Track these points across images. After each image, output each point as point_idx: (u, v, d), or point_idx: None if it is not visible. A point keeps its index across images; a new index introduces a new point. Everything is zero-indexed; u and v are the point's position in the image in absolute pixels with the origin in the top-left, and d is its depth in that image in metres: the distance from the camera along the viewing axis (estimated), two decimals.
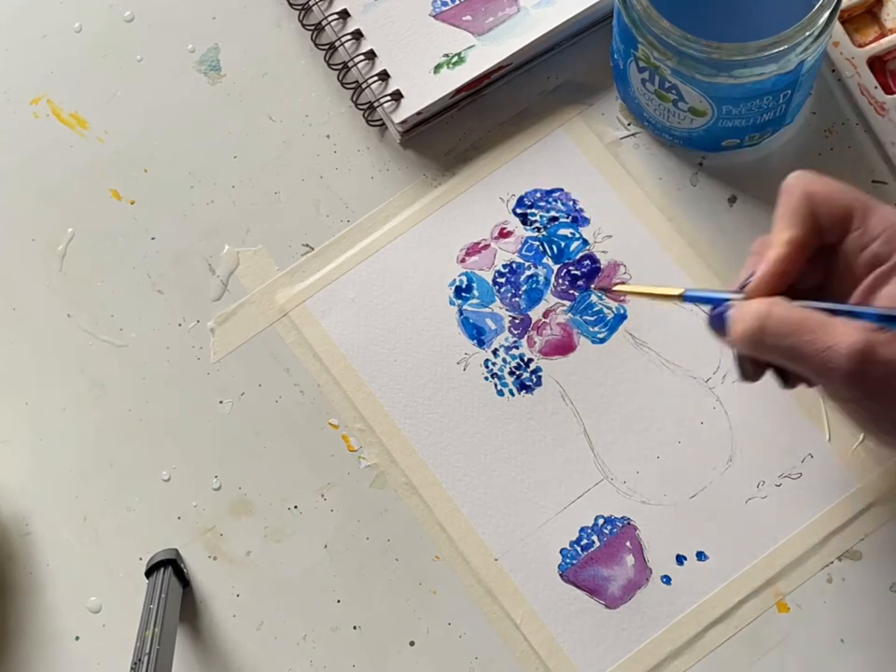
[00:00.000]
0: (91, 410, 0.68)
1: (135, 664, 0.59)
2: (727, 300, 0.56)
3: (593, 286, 0.66)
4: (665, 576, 0.64)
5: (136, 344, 0.69)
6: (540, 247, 0.69)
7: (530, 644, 0.63)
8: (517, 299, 0.68)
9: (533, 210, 0.69)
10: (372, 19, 0.70)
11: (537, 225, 0.69)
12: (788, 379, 0.58)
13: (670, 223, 0.68)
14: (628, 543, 0.64)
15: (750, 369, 0.58)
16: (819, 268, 0.57)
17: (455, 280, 0.69)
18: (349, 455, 0.67)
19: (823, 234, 0.56)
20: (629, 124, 0.70)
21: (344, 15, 0.71)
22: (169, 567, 0.64)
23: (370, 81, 0.70)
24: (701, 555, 0.64)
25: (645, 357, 0.67)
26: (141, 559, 0.66)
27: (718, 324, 0.56)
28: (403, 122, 0.69)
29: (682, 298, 0.60)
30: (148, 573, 0.64)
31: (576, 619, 0.64)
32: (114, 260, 0.70)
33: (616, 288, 0.65)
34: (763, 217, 0.68)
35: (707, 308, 0.58)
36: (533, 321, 0.68)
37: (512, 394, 0.67)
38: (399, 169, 0.71)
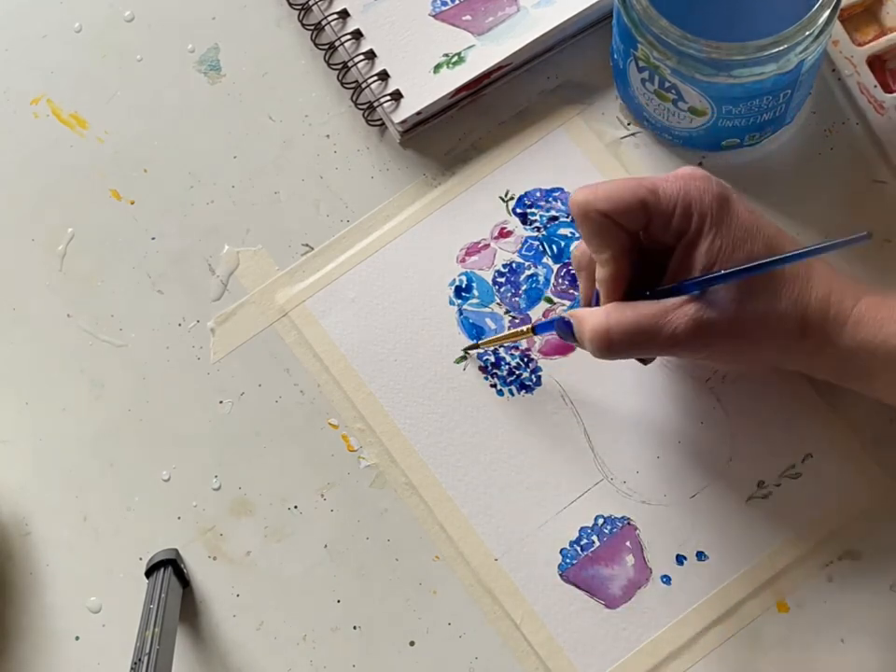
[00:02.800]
0: (91, 410, 0.68)
1: (135, 664, 0.59)
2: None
3: (465, 351, 0.67)
4: (665, 576, 0.64)
5: (136, 344, 0.69)
6: (540, 247, 0.69)
7: (530, 644, 0.63)
8: (517, 298, 0.68)
9: (533, 210, 0.69)
10: (372, 18, 0.70)
11: (537, 224, 0.69)
12: (646, 360, 0.63)
13: None
14: (628, 543, 0.64)
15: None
16: (637, 248, 0.59)
17: (454, 280, 0.69)
18: (349, 454, 0.67)
19: (630, 233, 0.58)
20: (629, 124, 0.70)
21: (344, 15, 0.71)
22: (169, 566, 0.64)
23: (369, 81, 0.70)
24: (701, 555, 0.64)
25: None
26: (141, 559, 0.66)
27: (566, 332, 0.60)
28: (403, 122, 0.69)
29: (534, 331, 0.64)
30: (148, 573, 0.64)
31: (576, 619, 0.64)
32: (114, 260, 0.70)
33: (481, 342, 0.67)
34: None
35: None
36: (533, 321, 0.68)
37: (512, 394, 0.67)
38: (399, 169, 0.71)
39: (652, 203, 0.58)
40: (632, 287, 0.59)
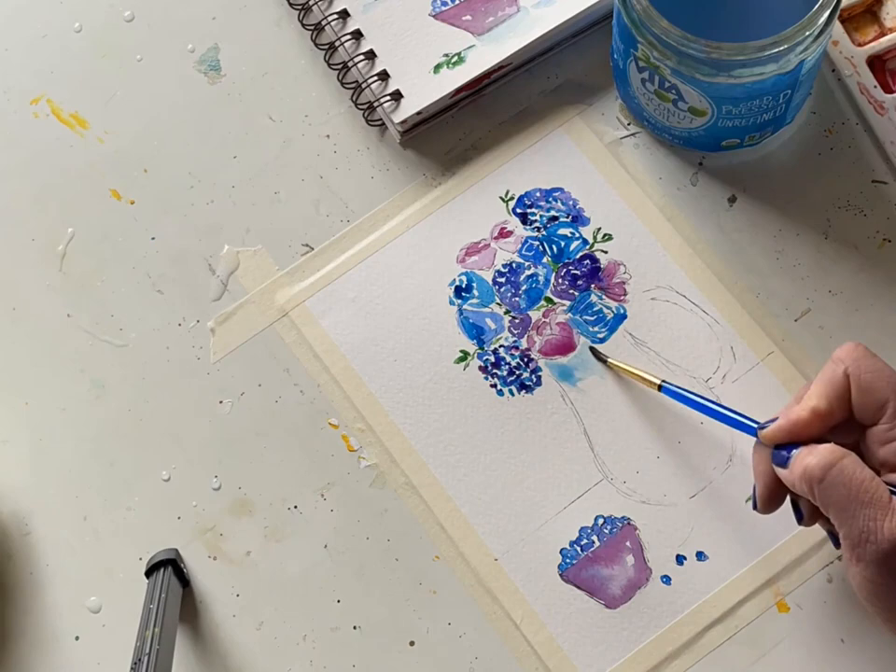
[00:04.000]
0: (91, 410, 0.68)
1: (135, 664, 0.59)
2: (705, 405, 0.61)
3: (595, 350, 0.66)
4: (665, 576, 0.64)
5: (136, 344, 0.69)
6: (540, 247, 0.69)
7: (530, 644, 0.63)
8: (517, 298, 0.68)
9: (533, 210, 0.69)
10: (372, 19, 0.70)
11: (536, 225, 0.69)
12: (803, 516, 0.58)
13: (670, 223, 0.68)
14: (628, 543, 0.64)
15: (806, 513, 0.58)
16: (852, 429, 0.57)
17: (454, 280, 0.69)
18: (349, 454, 0.67)
19: (853, 413, 0.56)
20: (629, 124, 0.70)
21: (344, 15, 0.71)
22: (169, 566, 0.64)
23: (369, 81, 0.70)
24: (701, 555, 0.64)
25: (645, 356, 0.67)
26: (141, 559, 0.66)
27: (780, 459, 0.56)
28: (403, 122, 0.69)
29: (660, 388, 0.63)
30: (148, 573, 0.64)
31: (576, 619, 0.64)
32: (114, 260, 0.70)
33: (611, 361, 0.66)
34: (762, 217, 0.68)
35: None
36: (533, 321, 0.68)
37: (512, 394, 0.67)
38: (399, 169, 0.71)
39: (893, 409, 0.55)
40: None
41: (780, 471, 0.56)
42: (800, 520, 0.58)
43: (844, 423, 0.56)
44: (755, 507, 0.59)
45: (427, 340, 0.68)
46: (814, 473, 0.54)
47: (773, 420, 0.57)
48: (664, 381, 0.63)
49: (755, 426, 0.58)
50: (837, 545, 0.56)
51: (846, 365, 0.56)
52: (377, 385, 0.67)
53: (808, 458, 0.54)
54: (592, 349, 0.66)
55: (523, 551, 0.65)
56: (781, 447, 0.56)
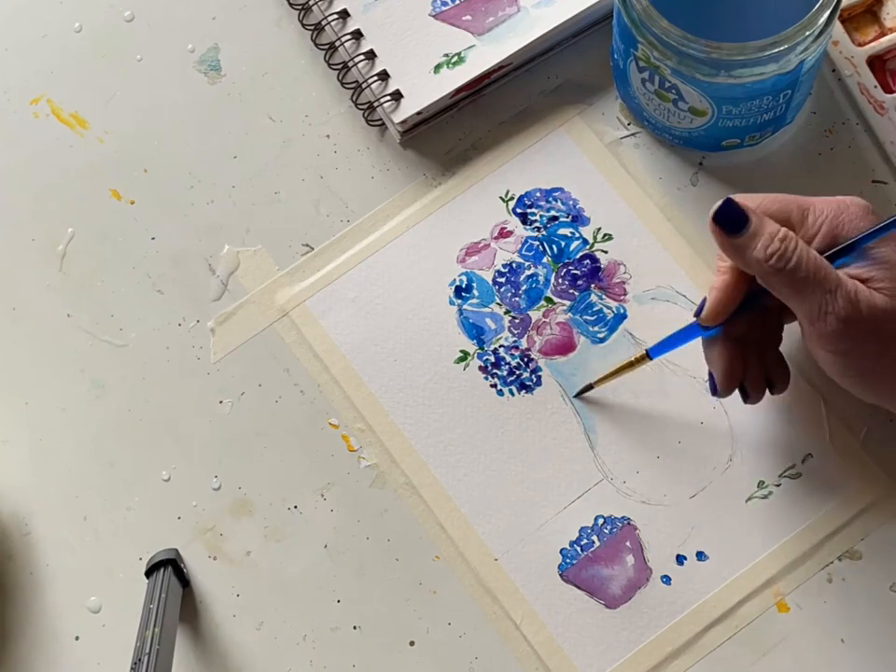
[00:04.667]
0: (91, 410, 0.68)
1: (135, 664, 0.59)
2: (687, 334, 0.61)
3: (579, 392, 0.66)
4: (665, 576, 0.64)
5: (136, 344, 0.69)
6: (540, 247, 0.69)
7: (530, 644, 0.63)
8: (517, 298, 0.68)
9: (533, 210, 0.69)
10: (372, 19, 0.70)
11: (537, 225, 0.69)
12: (748, 394, 0.61)
13: (670, 223, 0.68)
14: (628, 543, 0.64)
15: (724, 383, 0.61)
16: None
17: (454, 280, 0.69)
18: (349, 454, 0.67)
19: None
20: (629, 124, 0.70)
21: (344, 15, 0.71)
22: (169, 566, 0.64)
23: (369, 81, 0.70)
24: (701, 555, 0.64)
25: None
26: (141, 559, 0.66)
27: (729, 223, 0.58)
28: (403, 122, 0.69)
29: (648, 356, 0.63)
30: (148, 573, 0.64)
31: (576, 619, 0.64)
32: (114, 260, 0.70)
33: (595, 381, 0.65)
34: None
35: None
36: (533, 321, 0.68)
37: (512, 394, 0.67)
38: (399, 169, 0.71)
39: (798, 220, 0.58)
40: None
41: (735, 246, 0.57)
42: (715, 392, 0.61)
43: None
44: (714, 392, 0.61)
45: (427, 340, 0.68)
46: (777, 262, 0.56)
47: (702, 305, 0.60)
48: (647, 350, 0.63)
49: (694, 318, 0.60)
50: (714, 391, 0.61)
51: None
52: (377, 385, 0.67)
53: (770, 245, 0.56)
54: (577, 394, 0.66)
55: (523, 551, 0.65)
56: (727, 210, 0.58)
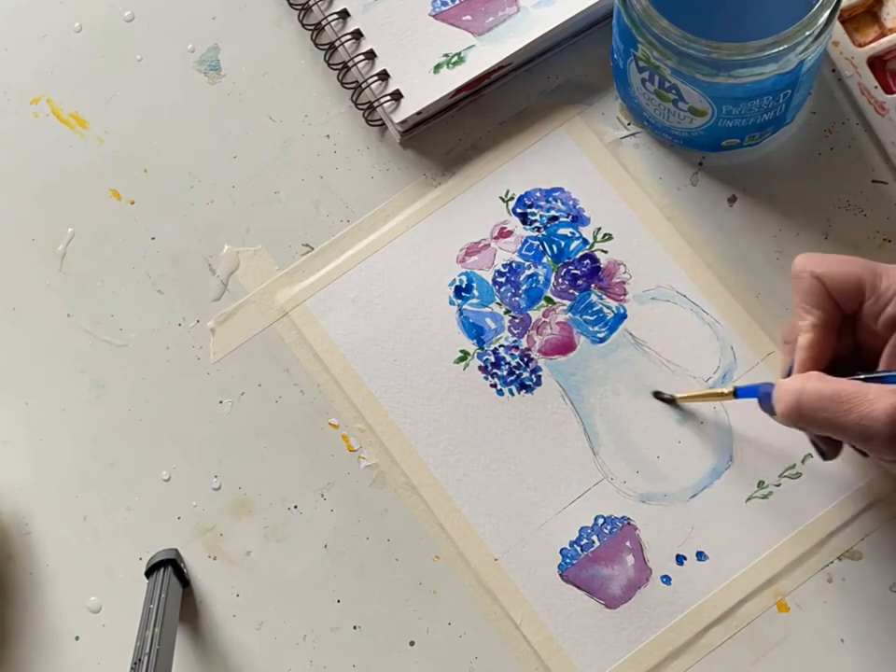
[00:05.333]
0: (91, 410, 0.68)
1: (135, 663, 0.59)
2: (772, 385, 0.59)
3: (658, 394, 0.66)
4: (665, 576, 0.64)
5: (136, 344, 0.69)
6: (540, 247, 0.69)
7: (530, 644, 0.63)
8: (517, 298, 0.68)
9: (533, 210, 0.69)
10: (372, 18, 0.70)
11: (537, 224, 0.69)
12: (825, 453, 0.60)
13: (670, 223, 0.68)
14: (628, 543, 0.64)
15: (824, 447, 0.60)
16: (849, 334, 0.59)
17: (454, 280, 0.69)
18: (349, 454, 0.67)
19: (842, 309, 0.58)
20: (629, 124, 0.70)
21: (344, 15, 0.71)
22: (169, 566, 0.64)
23: (369, 81, 0.70)
24: (701, 555, 0.64)
25: (645, 356, 0.67)
26: (141, 559, 0.66)
27: (767, 404, 0.58)
28: (403, 122, 0.69)
29: (735, 394, 0.62)
30: (148, 573, 0.64)
31: (576, 619, 0.64)
32: (114, 260, 0.70)
33: (678, 397, 0.65)
34: (762, 217, 0.68)
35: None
36: (533, 321, 0.68)
37: (512, 394, 0.67)
38: (399, 169, 0.70)
39: (870, 284, 0.57)
40: (836, 369, 0.57)
41: (773, 417, 0.58)
42: (823, 456, 0.60)
43: (842, 327, 0.58)
44: (825, 458, 0.60)
45: (427, 340, 0.68)
46: (791, 413, 0.56)
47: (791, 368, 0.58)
48: (735, 387, 0.62)
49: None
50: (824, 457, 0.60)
51: (809, 270, 0.57)
52: (377, 385, 0.67)
53: (777, 404, 0.56)
54: (655, 393, 0.66)
55: (523, 551, 0.65)
56: (760, 397, 0.59)
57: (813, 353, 0.58)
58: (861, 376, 0.56)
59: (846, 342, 0.59)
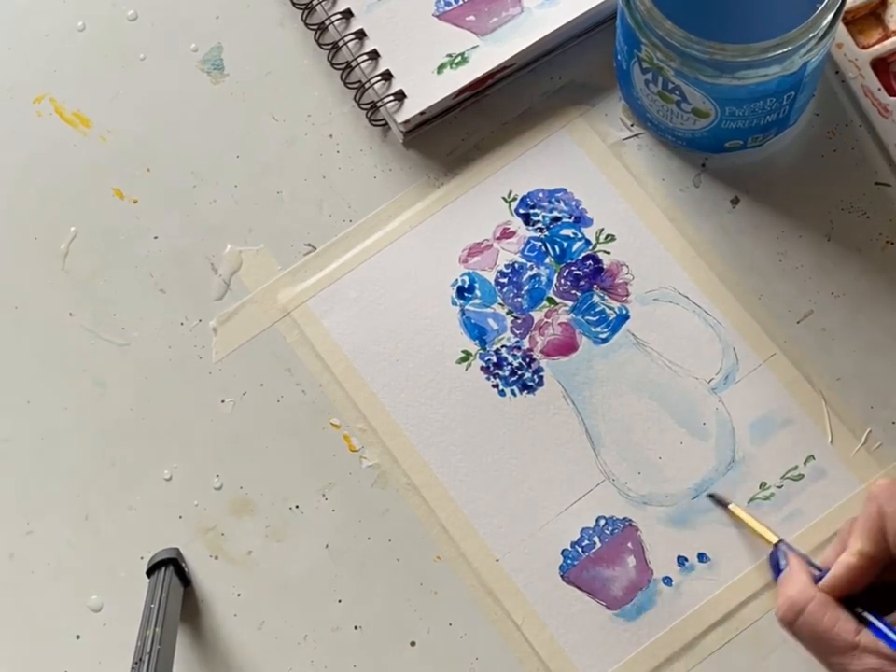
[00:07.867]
0: (92, 409, 0.68)
1: (136, 663, 0.59)
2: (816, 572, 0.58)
3: (711, 495, 0.64)
4: (667, 577, 0.64)
5: (138, 343, 0.69)
6: (543, 248, 0.69)
7: (531, 645, 0.63)
8: (519, 299, 0.68)
9: (535, 210, 0.69)
10: (376, 19, 0.70)
11: (539, 225, 0.69)
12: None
13: (673, 224, 0.68)
14: (629, 544, 0.64)
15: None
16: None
17: (457, 280, 0.68)
18: (351, 455, 0.67)
19: (893, 552, 0.56)
20: (632, 125, 0.70)
21: (348, 15, 0.71)
22: (170, 566, 0.64)
23: (373, 81, 0.70)
24: (702, 557, 0.64)
25: (647, 357, 0.67)
26: (142, 558, 0.66)
27: (775, 573, 0.60)
28: (406, 122, 0.69)
29: (775, 545, 0.61)
30: (150, 572, 0.64)
31: (577, 620, 0.63)
32: (116, 259, 0.70)
33: (732, 507, 0.64)
34: (765, 219, 0.68)
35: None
36: (535, 321, 0.68)
37: (514, 394, 0.67)
38: (402, 169, 0.71)
39: (891, 531, 0.55)
40: (863, 594, 0.56)
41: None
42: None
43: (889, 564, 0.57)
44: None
45: (429, 340, 0.68)
46: (782, 622, 0.56)
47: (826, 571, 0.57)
48: (781, 539, 0.61)
49: (816, 573, 0.58)
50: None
51: (879, 503, 0.56)
52: (379, 385, 0.67)
53: (778, 608, 0.56)
54: (711, 495, 0.64)
55: (524, 551, 0.64)
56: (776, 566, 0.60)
57: (849, 578, 0.56)
58: (867, 615, 0.55)
59: (890, 575, 0.57)
